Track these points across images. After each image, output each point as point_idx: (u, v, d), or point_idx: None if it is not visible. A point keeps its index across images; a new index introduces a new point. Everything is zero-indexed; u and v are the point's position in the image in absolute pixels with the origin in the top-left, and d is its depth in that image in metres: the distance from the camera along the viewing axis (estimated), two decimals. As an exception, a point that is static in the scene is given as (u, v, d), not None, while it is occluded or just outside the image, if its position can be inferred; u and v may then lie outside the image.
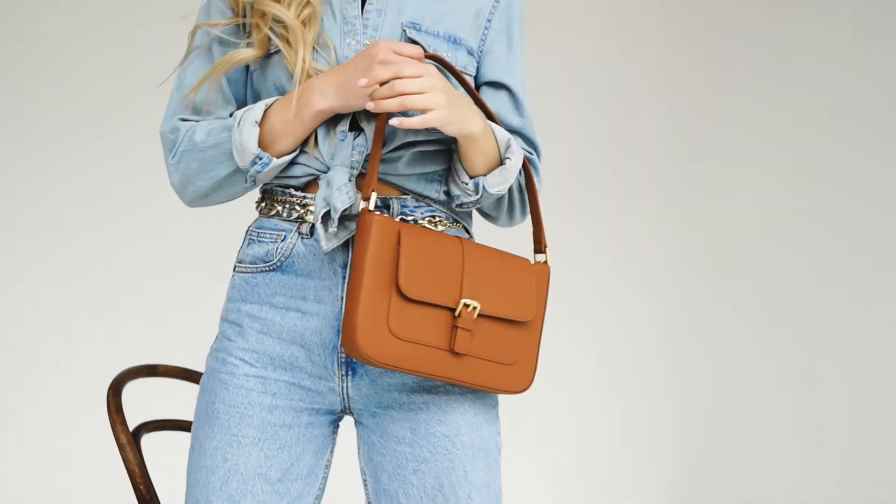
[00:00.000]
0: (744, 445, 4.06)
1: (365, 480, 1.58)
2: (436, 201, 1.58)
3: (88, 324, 3.91)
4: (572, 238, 3.90)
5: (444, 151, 1.57)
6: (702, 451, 4.11)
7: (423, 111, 1.43)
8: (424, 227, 1.55)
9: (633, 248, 4.18)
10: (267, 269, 1.56)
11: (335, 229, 1.47)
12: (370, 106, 1.44)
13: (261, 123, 1.52)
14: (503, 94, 1.64)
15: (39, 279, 3.93)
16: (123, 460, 1.83)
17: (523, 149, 1.64)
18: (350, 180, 1.49)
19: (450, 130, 1.47)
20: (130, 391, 1.98)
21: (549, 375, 3.67)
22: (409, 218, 1.54)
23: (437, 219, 1.57)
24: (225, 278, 4.31)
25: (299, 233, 1.55)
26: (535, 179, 1.64)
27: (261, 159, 1.52)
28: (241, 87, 1.61)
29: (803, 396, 4.00)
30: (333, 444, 1.59)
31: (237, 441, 1.52)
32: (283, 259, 1.55)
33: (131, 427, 1.91)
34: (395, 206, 1.54)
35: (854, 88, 3.99)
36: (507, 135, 1.56)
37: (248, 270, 1.58)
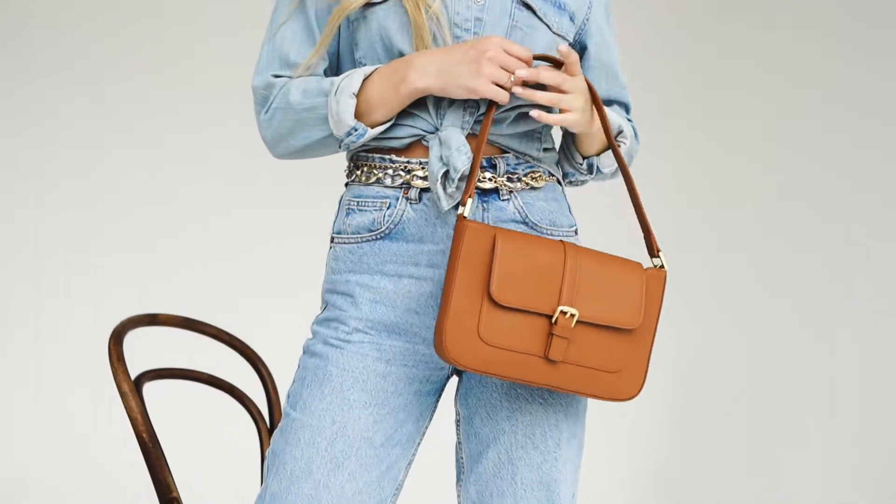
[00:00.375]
0: (744, 435, 4.09)
1: (458, 421, 1.61)
2: (535, 158, 1.60)
3: (90, 273, 3.92)
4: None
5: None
6: (699, 446, 4.14)
7: (563, 111, 1.49)
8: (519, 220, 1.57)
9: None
10: (373, 237, 1.56)
11: (453, 189, 1.48)
12: (518, 91, 1.47)
13: (357, 94, 1.52)
14: (608, 65, 1.68)
15: (41, 230, 3.94)
16: (125, 408, 1.85)
17: (625, 118, 1.69)
18: (465, 140, 1.50)
19: (575, 129, 1.53)
20: (131, 340, 1.99)
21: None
22: (514, 175, 1.57)
23: (538, 174, 1.59)
24: (227, 227, 4.31)
25: (407, 198, 1.55)
26: (635, 141, 1.68)
27: (356, 130, 1.52)
28: (335, 42, 1.60)
29: (809, 385, 4.02)
30: (433, 413, 1.61)
31: (348, 404, 1.52)
32: (392, 226, 1.55)
33: (133, 375, 1.92)
34: (501, 165, 1.56)
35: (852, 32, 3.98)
36: (620, 121, 1.61)
37: (352, 241, 1.57)
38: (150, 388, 1.99)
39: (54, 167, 3.93)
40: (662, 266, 1.55)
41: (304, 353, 1.59)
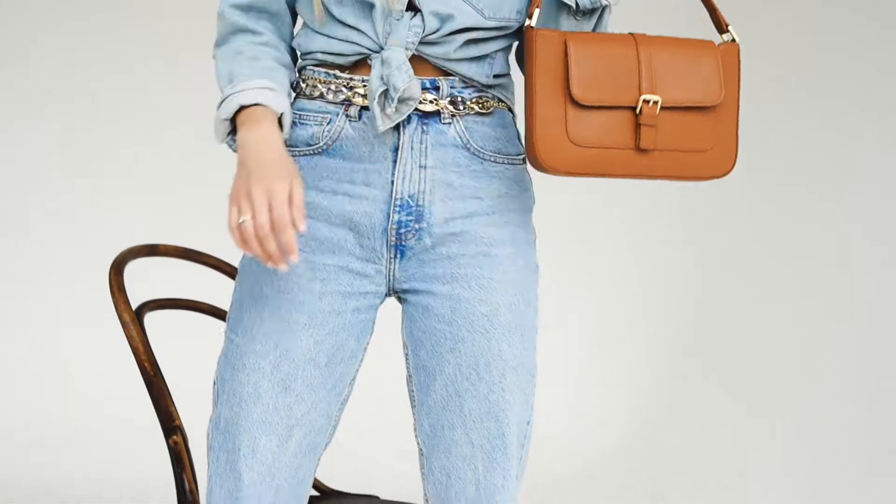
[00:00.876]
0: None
1: (406, 355, 1.60)
2: (485, 85, 1.57)
3: (89, 204, 3.92)
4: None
5: (496, 38, 1.56)
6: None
7: None
8: (588, 33, 1.52)
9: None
10: (311, 152, 1.55)
11: (392, 110, 1.47)
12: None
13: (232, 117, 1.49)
14: None
15: (41, 160, 3.93)
16: (127, 338, 1.86)
17: None
18: (407, 59, 1.48)
19: None
20: (132, 270, 2.00)
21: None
22: (458, 99, 1.54)
23: (484, 99, 1.56)
24: (226, 159, 4.32)
25: (347, 115, 1.53)
26: None
27: (231, 145, 1.52)
28: None
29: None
30: (373, 327, 1.61)
31: (288, 327, 1.52)
32: (329, 142, 1.54)
33: (134, 306, 1.93)
34: (444, 87, 1.53)
35: None
36: None
37: (290, 154, 1.55)
38: (151, 319, 2.00)
39: (48, 100, 3.92)
40: (734, 40, 1.56)
41: (238, 273, 1.59)
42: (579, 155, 1.46)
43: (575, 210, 4.15)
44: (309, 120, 1.55)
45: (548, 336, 4.05)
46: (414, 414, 1.61)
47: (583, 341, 4.14)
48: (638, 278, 4.18)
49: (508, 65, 1.62)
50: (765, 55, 4.05)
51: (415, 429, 1.61)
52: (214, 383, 1.58)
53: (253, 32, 1.56)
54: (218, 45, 1.58)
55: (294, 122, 1.56)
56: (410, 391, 1.60)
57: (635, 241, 4.18)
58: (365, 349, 1.60)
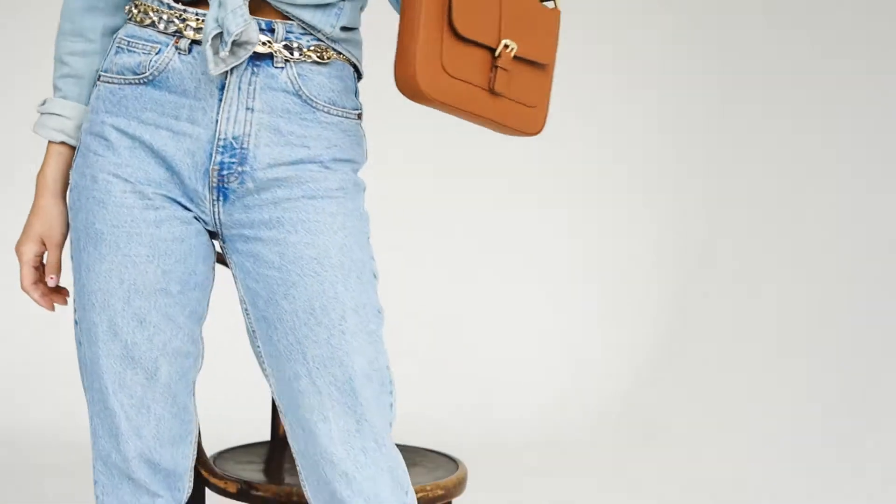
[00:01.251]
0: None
1: (246, 310, 1.54)
2: (328, 37, 1.51)
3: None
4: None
5: None
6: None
7: None
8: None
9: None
10: (137, 81, 1.50)
11: (226, 53, 1.42)
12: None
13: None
14: None
15: (40, 160, 3.91)
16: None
17: None
18: (245, 2, 1.43)
19: None
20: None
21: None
22: (294, 45, 1.49)
23: (323, 48, 1.51)
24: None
25: (177, 48, 1.48)
26: None
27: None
28: None
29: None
30: (215, 248, 1.58)
31: (131, 261, 1.49)
32: (156, 73, 1.48)
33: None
34: (280, 30, 1.48)
35: None
36: None
37: (115, 81, 1.51)
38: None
39: (41, 60, 3.93)
40: (556, 6, 1.58)
41: (69, 209, 1.55)
42: (449, 85, 1.43)
43: (579, 192, 4.15)
44: (137, 48, 1.50)
45: (548, 313, 4.04)
46: (263, 370, 1.56)
47: (589, 297, 4.12)
48: (643, 251, 4.17)
49: (359, 20, 1.57)
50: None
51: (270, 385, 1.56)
52: (76, 322, 1.56)
53: (83, 38, 1.57)
54: (60, 26, 1.59)
55: (122, 49, 1.52)
56: (256, 346, 1.55)
57: (635, 225, 4.18)
58: (213, 270, 1.57)
